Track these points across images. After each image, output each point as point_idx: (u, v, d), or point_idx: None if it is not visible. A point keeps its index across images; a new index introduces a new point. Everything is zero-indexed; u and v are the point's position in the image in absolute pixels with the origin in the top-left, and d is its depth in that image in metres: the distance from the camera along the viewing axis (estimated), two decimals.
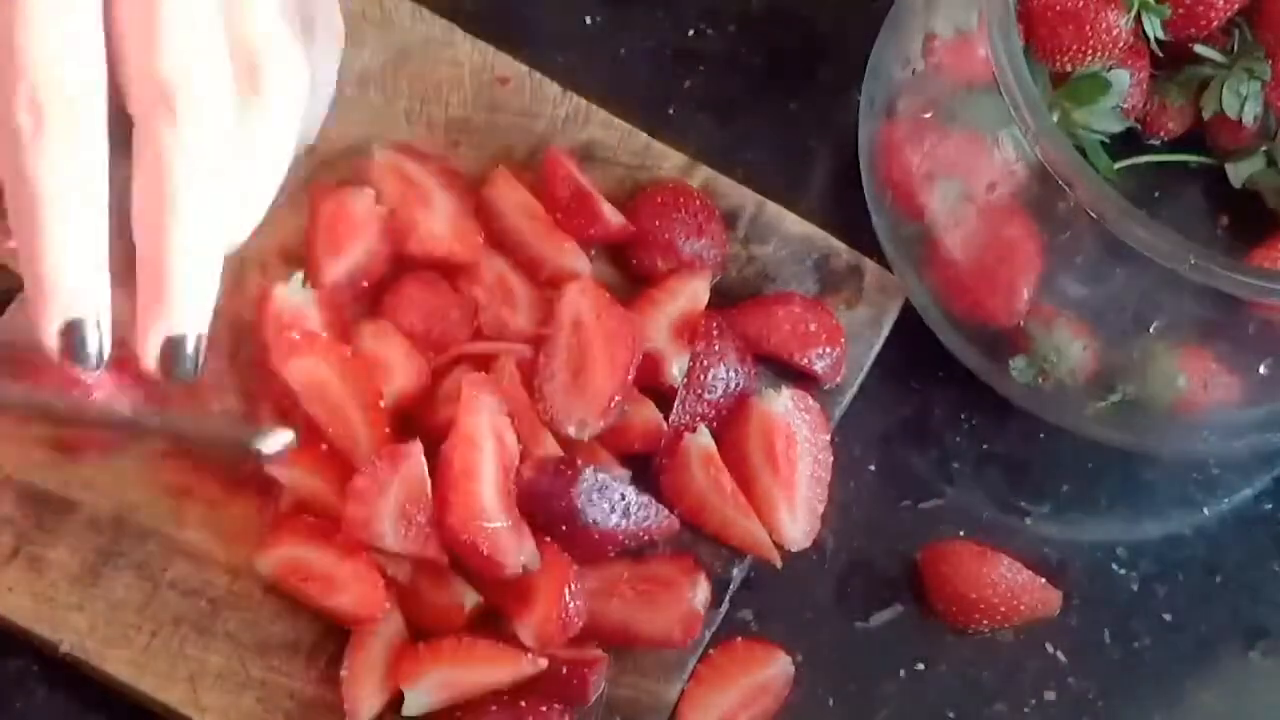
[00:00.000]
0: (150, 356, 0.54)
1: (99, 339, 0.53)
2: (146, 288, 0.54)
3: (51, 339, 0.53)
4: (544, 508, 0.67)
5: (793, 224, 0.77)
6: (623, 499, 0.68)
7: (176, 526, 0.69)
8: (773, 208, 0.77)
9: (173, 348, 0.54)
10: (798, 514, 0.72)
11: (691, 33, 0.83)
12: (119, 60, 0.53)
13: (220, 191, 0.54)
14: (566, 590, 0.66)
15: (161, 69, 0.53)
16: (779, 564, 0.71)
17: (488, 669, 0.66)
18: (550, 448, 0.69)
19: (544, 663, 0.66)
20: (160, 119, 0.53)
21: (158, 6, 0.53)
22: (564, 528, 0.67)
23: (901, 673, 0.73)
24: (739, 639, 0.72)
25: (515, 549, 0.66)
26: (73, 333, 0.53)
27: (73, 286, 0.53)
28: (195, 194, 0.53)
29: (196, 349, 0.54)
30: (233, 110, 0.54)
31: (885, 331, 0.76)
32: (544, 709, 0.66)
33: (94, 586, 0.68)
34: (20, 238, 0.52)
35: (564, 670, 0.67)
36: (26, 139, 0.51)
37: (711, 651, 0.71)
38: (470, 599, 0.67)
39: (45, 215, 0.52)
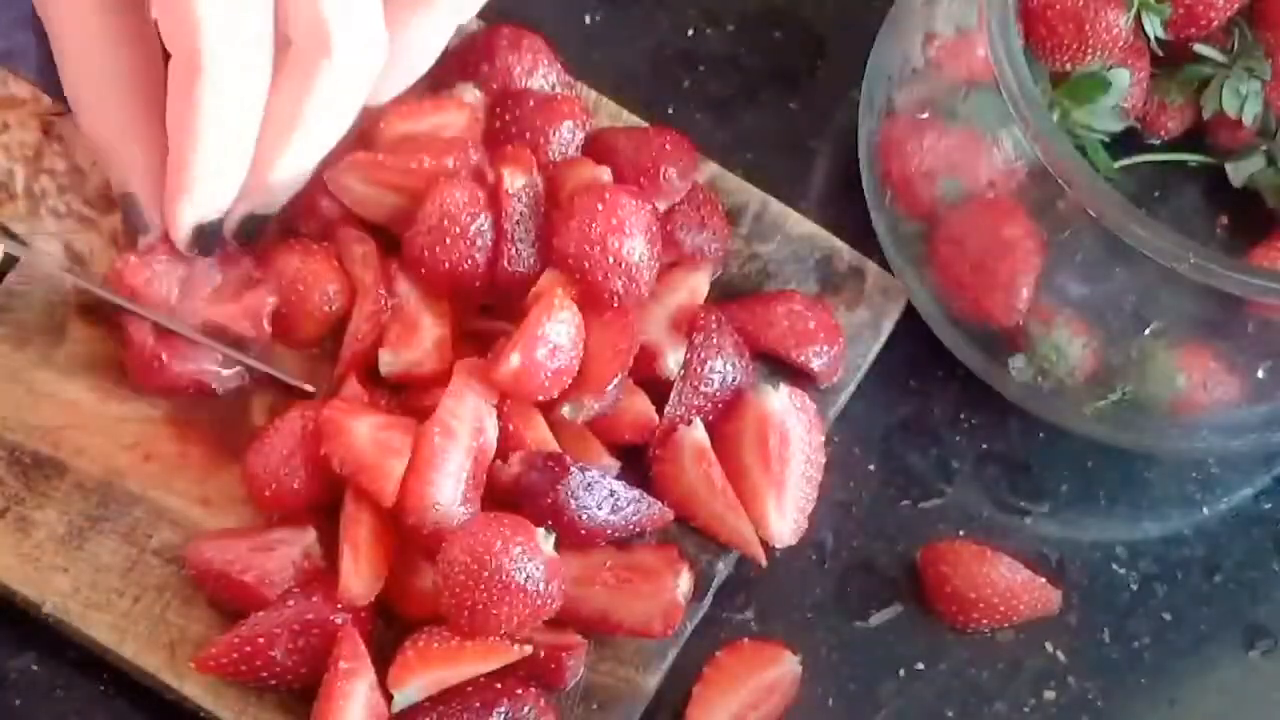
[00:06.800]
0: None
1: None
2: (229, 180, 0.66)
3: (183, 233, 0.67)
4: (531, 503, 0.67)
5: (796, 223, 0.77)
6: (611, 495, 0.68)
7: (164, 495, 0.70)
8: (777, 206, 0.77)
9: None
10: (786, 511, 0.71)
11: (691, 33, 0.83)
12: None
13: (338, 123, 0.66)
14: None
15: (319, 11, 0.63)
16: (763, 562, 0.71)
17: (476, 664, 0.66)
18: (540, 430, 0.69)
19: (529, 649, 0.66)
20: (318, 54, 0.63)
21: None
22: (550, 522, 0.67)
23: (901, 672, 0.73)
24: (745, 640, 0.72)
25: None
26: (202, 233, 0.67)
27: (214, 196, 0.66)
28: (318, 120, 0.65)
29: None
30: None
31: (884, 335, 0.76)
32: (520, 691, 0.66)
33: (79, 550, 0.69)
34: (175, 147, 0.64)
35: (541, 654, 0.67)
36: (206, 75, 0.62)
37: (718, 653, 0.71)
38: None
39: (203, 140, 0.63)
